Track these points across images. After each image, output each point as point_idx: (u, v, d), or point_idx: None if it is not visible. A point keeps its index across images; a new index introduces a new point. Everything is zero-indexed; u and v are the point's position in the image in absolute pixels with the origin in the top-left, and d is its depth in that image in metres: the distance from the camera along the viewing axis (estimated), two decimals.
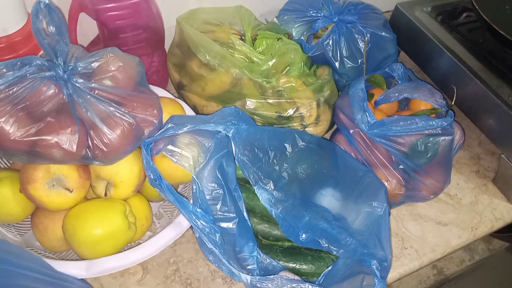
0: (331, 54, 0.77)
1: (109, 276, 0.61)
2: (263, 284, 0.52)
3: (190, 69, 0.71)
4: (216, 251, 0.52)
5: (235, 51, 0.69)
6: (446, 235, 0.69)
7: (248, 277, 0.52)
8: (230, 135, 0.58)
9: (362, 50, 0.77)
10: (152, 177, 0.54)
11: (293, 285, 0.51)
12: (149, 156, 0.55)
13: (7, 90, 0.47)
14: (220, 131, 0.58)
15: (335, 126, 0.76)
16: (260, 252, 0.59)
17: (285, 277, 0.52)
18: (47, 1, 0.47)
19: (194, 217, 0.52)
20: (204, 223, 0.52)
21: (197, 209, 0.53)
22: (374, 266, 0.55)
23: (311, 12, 0.81)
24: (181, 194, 0.55)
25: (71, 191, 0.53)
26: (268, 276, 0.52)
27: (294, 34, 0.80)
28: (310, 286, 0.52)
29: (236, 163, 0.59)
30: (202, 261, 0.63)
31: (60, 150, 0.49)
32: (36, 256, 0.52)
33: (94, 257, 0.52)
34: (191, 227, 0.58)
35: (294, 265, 0.60)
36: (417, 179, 0.65)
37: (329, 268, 0.60)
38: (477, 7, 0.76)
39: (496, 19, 0.74)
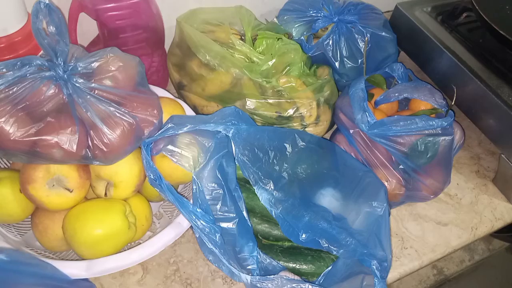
0: (331, 54, 0.77)
1: (109, 276, 0.60)
2: (263, 284, 0.52)
3: (190, 69, 0.71)
4: (216, 251, 0.52)
5: (235, 51, 0.69)
6: (446, 235, 0.69)
7: (248, 277, 0.52)
8: (230, 135, 0.58)
9: (362, 50, 0.77)
10: (152, 177, 0.54)
11: (293, 285, 0.51)
12: (149, 156, 0.55)
13: (7, 90, 0.47)
14: (220, 131, 0.58)
15: (335, 126, 0.76)
16: (260, 252, 0.59)
17: (285, 277, 0.52)
18: (47, 1, 0.47)
19: (194, 217, 0.52)
20: (204, 223, 0.52)
21: (197, 209, 0.53)
22: (374, 266, 0.55)
23: (311, 12, 0.81)
24: (181, 194, 0.55)
25: (71, 191, 0.53)
26: (268, 276, 0.52)
27: (294, 34, 0.80)
28: (310, 286, 0.52)
29: (236, 163, 0.59)
30: (202, 261, 0.63)
31: (60, 150, 0.49)
32: (40, 260, 0.52)
33: (94, 257, 0.52)
34: (191, 227, 0.58)
35: (294, 265, 0.60)
36: (417, 179, 0.65)
37: (329, 268, 0.60)
38: (477, 7, 0.76)
39: (496, 19, 0.74)
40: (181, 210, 0.53)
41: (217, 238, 0.53)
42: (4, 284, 0.44)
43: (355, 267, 0.58)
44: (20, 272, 0.47)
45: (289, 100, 0.68)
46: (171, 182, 0.55)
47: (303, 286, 0.51)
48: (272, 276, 0.52)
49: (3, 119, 0.46)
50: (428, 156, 0.62)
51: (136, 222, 0.57)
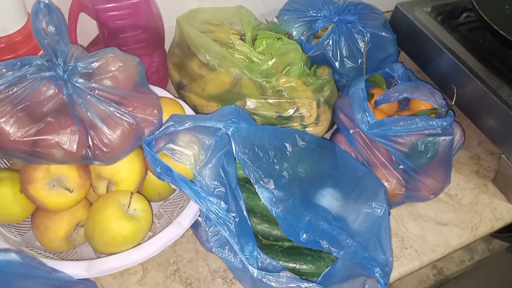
0: (331, 54, 0.77)
1: (109, 276, 0.60)
2: (269, 279, 0.51)
3: (190, 69, 0.71)
4: (231, 240, 0.52)
5: (235, 51, 0.69)
6: (446, 235, 0.69)
7: (255, 271, 0.52)
8: (229, 133, 0.58)
9: (362, 50, 0.77)
10: (160, 171, 0.54)
11: (297, 283, 0.51)
12: (153, 152, 0.55)
13: (7, 90, 0.47)
14: (220, 129, 0.58)
15: (335, 126, 0.76)
16: (260, 252, 0.59)
17: (290, 276, 0.52)
18: (47, 1, 0.47)
19: (209, 205, 0.52)
20: (220, 210, 0.52)
21: (212, 198, 0.52)
22: (377, 274, 0.55)
23: (311, 12, 0.81)
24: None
25: (71, 191, 0.53)
26: (274, 273, 0.52)
27: (294, 34, 0.80)
28: (314, 286, 0.52)
29: (237, 161, 0.59)
30: (202, 261, 0.63)
31: (60, 150, 0.49)
32: (40, 262, 0.51)
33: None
34: (191, 227, 0.58)
35: (294, 265, 0.60)
36: (417, 179, 0.65)
37: (328, 268, 0.60)
38: (477, 7, 0.76)
39: (496, 19, 0.74)
40: (195, 198, 0.52)
41: (233, 226, 0.52)
42: (4, 284, 0.44)
43: (354, 268, 0.57)
44: (20, 273, 0.47)
45: (289, 100, 0.68)
46: None
47: (307, 286, 0.51)
48: (278, 273, 0.52)
49: (3, 120, 0.46)
50: (428, 156, 0.62)
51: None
